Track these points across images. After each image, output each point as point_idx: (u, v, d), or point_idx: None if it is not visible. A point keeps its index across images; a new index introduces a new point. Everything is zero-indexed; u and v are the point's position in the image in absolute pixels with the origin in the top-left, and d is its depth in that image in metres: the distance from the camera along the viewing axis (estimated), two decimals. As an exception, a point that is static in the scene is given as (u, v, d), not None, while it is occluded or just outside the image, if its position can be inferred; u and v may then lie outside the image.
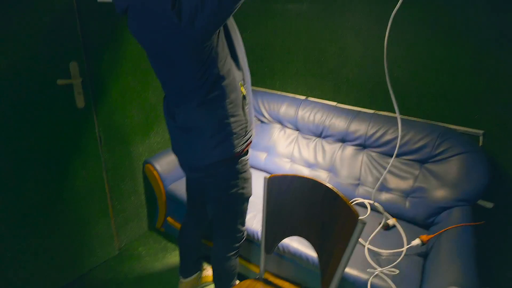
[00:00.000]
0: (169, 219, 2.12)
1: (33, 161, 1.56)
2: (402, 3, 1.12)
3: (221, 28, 1.09)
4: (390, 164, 1.51)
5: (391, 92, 1.34)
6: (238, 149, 1.24)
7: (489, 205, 1.60)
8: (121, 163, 2.00)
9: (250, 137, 1.31)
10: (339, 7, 1.91)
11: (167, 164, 2.05)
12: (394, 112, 1.81)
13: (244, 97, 1.23)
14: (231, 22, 1.19)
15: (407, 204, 1.69)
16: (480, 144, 1.67)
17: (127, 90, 1.92)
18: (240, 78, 1.22)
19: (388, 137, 1.77)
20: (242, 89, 1.23)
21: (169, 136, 1.39)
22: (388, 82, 1.33)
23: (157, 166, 2.01)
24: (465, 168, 1.57)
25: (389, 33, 1.22)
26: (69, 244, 1.80)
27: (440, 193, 1.60)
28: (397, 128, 1.64)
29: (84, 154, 1.76)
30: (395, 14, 1.16)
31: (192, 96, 1.16)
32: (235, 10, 1.03)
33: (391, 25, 1.19)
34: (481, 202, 1.60)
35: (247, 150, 1.34)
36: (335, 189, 1.09)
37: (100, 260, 1.99)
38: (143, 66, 1.95)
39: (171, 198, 2.03)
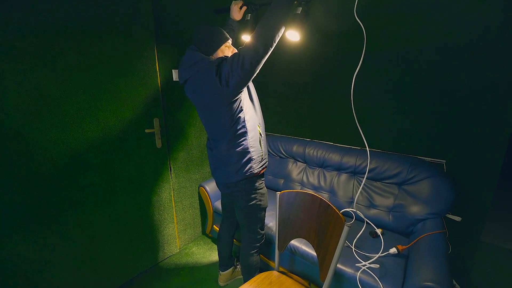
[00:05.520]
0: (215, 226, 2.12)
1: (125, 182, 1.62)
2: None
3: (245, 88, 1.16)
4: (363, 182, 1.44)
5: (361, 133, 1.32)
6: (256, 171, 1.26)
7: (457, 218, 1.45)
8: (183, 186, 2.04)
9: (265, 163, 1.31)
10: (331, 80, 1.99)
11: (214, 187, 2.07)
12: (376, 149, 1.79)
13: (260, 134, 1.26)
14: (251, 84, 1.26)
15: (390, 217, 1.58)
16: (445, 170, 1.56)
17: (189, 136, 2.01)
18: (257, 122, 1.25)
19: (371, 166, 1.70)
20: (259, 129, 1.27)
21: (209, 163, 1.39)
22: (359, 127, 1.32)
23: (207, 188, 2.05)
24: (433, 189, 1.46)
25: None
26: (145, 241, 1.82)
27: (415, 209, 1.49)
28: (378, 160, 1.60)
29: (159, 178, 1.83)
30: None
31: (226, 133, 1.19)
32: (255, 74, 1.09)
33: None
34: (450, 216, 1.46)
35: (263, 173, 1.34)
36: (327, 201, 1.07)
37: (166, 255, 1.99)
38: (199, 120, 2.04)
39: (216, 211, 2.05)
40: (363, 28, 1.11)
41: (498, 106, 1.36)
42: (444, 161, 1.55)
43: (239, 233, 1.53)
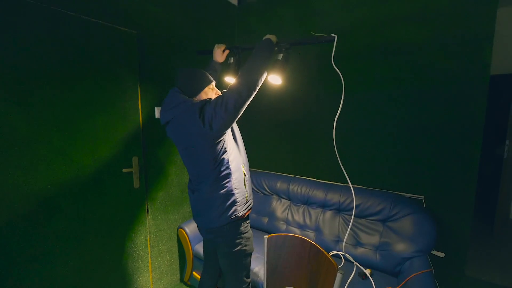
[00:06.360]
0: (195, 273, 1.94)
1: (96, 227, 1.49)
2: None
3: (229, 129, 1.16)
4: (351, 223, 1.43)
5: (344, 171, 1.36)
6: (241, 213, 1.20)
7: (441, 254, 1.46)
8: (161, 228, 1.90)
9: (250, 205, 1.27)
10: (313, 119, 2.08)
11: (194, 229, 1.95)
12: (358, 184, 1.82)
13: (244, 175, 1.24)
14: (235, 123, 1.25)
15: (378, 256, 1.56)
16: (424, 206, 1.61)
17: (169, 173, 1.93)
18: (241, 162, 1.23)
19: (355, 203, 1.71)
20: (243, 169, 1.24)
21: (190, 206, 1.32)
22: (342, 166, 1.35)
23: (187, 230, 1.93)
24: (416, 225, 1.49)
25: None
26: (115, 296, 1.61)
27: (401, 247, 1.49)
28: (361, 196, 1.62)
29: (135, 222, 1.69)
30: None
31: (209, 175, 1.15)
32: (238, 116, 1.10)
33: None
34: (434, 252, 1.47)
35: (248, 215, 1.28)
36: (317, 245, 1.04)
37: (137, 311, 1.76)
38: (180, 158, 1.99)
39: (197, 256, 1.89)
40: (340, 75, 1.20)
41: (464, 143, 1.49)
42: (423, 196, 1.61)
43: (222, 282, 1.40)
